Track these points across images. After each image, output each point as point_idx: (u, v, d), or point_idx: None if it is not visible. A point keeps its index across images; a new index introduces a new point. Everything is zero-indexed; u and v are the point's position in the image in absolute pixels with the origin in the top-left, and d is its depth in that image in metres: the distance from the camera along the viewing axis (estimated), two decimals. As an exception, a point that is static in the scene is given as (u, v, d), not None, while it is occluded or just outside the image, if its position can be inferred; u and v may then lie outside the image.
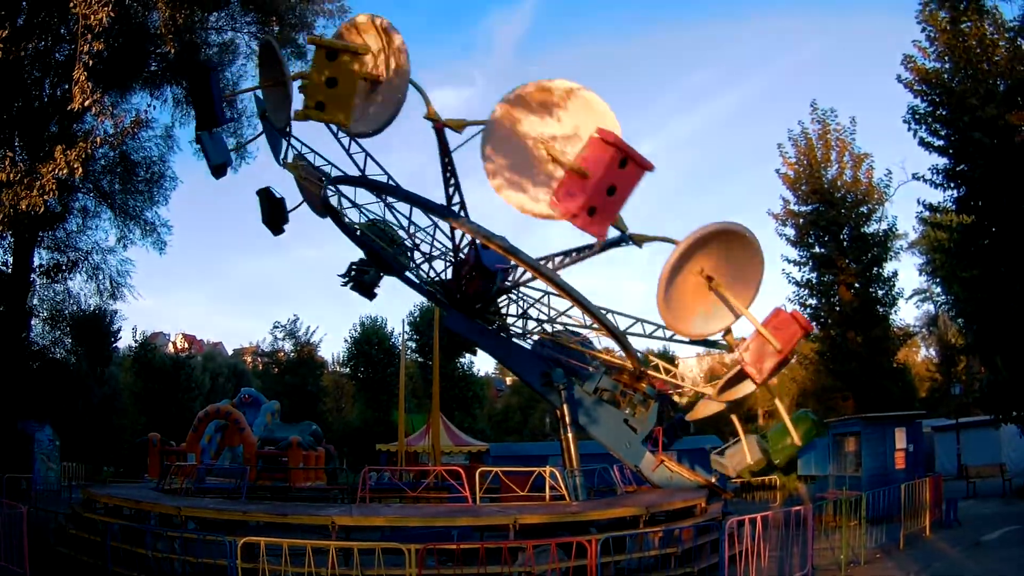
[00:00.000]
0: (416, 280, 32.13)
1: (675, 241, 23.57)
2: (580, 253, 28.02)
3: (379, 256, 31.37)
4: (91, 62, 26.25)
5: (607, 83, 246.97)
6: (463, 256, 29.36)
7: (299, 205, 31.63)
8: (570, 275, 28.06)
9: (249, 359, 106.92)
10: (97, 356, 67.09)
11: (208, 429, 47.30)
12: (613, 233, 25.06)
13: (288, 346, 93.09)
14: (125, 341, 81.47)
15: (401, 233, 31.37)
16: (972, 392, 62.25)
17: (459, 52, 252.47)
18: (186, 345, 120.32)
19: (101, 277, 45.07)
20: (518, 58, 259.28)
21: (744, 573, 19.18)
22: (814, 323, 53.97)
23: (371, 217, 31.52)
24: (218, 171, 30.36)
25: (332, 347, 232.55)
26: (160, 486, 31.24)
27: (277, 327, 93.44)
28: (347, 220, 31.17)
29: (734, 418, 29.65)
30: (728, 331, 26.76)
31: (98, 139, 30.35)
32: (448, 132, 25.46)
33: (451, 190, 27.46)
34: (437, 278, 31.54)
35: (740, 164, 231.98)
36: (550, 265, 27.83)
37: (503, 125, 23.38)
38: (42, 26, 35.22)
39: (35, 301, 45.84)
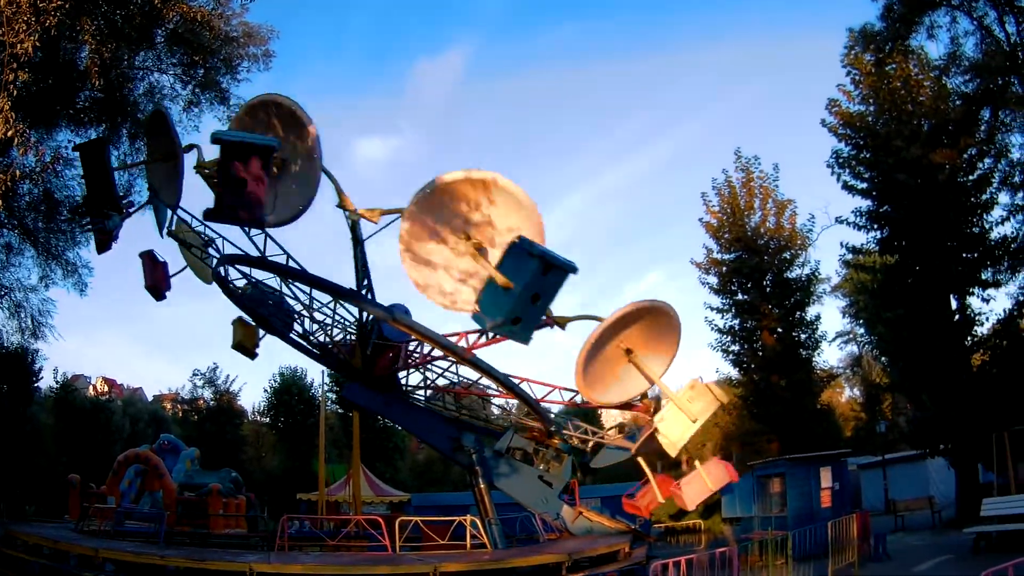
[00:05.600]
0: (310, 348, 31.66)
1: (598, 319, 23.33)
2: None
3: (267, 321, 30.72)
4: (15, 92, 25.49)
5: (537, 133, 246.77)
6: (365, 328, 29.07)
7: (182, 270, 30.61)
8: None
9: (169, 406, 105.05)
10: (18, 395, 66.00)
11: (128, 473, 46.36)
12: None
13: (208, 394, 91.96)
14: (46, 382, 79.75)
15: (296, 304, 30.80)
16: (898, 429, 62.91)
17: (385, 99, 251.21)
18: (106, 389, 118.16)
19: (23, 315, 44.17)
20: (447, 106, 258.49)
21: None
22: (737, 368, 54.45)
23: (262, 287, 30.92)
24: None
25: (252, 396, 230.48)
26: (79, 527, 30.60)
27: (197, 375, 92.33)
28: (233, 287, 30.36)
29: (641, 461, 29.41)
30: (644, 395, 26.87)
31: (18, 172, 29.61)
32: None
33: (362, 277, 27.10)
34: (338, 351, 31.10)
35: (670, 214, 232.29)
36: (464, 342, 27.55)
37: (420, 222, 22.63)
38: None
39: (-45, 335, 44.82)
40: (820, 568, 27.07)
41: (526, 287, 18.98)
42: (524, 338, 21.41)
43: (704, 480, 25.66)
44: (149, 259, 29.79)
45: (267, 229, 27.11)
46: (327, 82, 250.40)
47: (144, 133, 25.10)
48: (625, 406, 28.59)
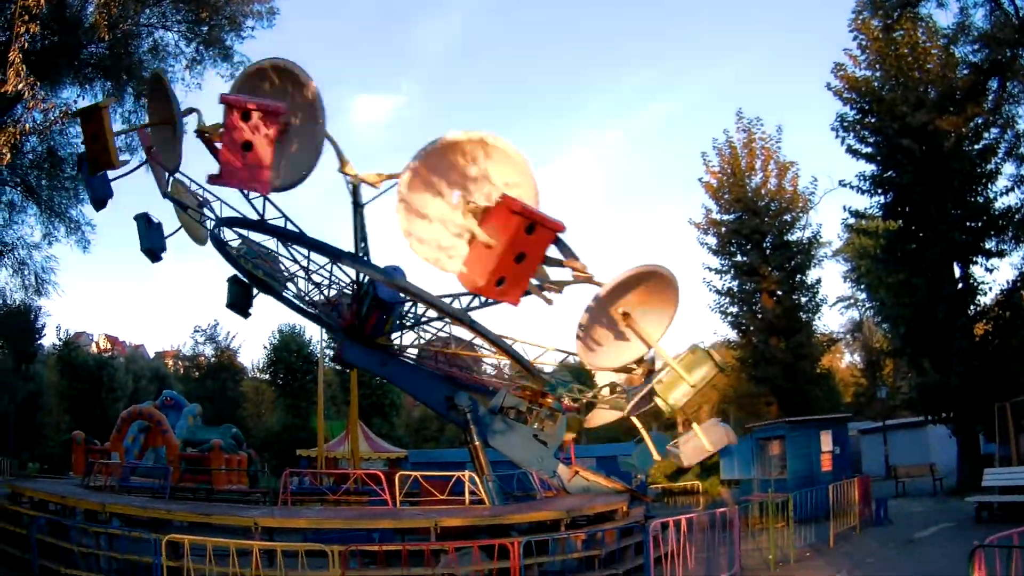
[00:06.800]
0: (307, 308, 31.84)
1: (596, 282, 23.21)
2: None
3: (262, 281, 30.87)
4: (26, 45, 25.52)
5: (538, 90, 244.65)
6: (362, 290, 29.16)
7: (177, 231, 30.60)
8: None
9: (170, 362, 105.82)
10: (22, 352, 66.26)
11: (131, 430, 46.85)
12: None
13: (209, 351, 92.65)
14: (49, 339, 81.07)
15: (291, 265, 30.96)
16: (899, 395, 62.99)
17: (386, 58, 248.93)
18: (108, 346, 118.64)
19: (26, 272, 44.27)
20: (447, 66, 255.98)
21: (671, 574, 18.90)
22: (735, 330, 54.29)
23: (257, 248, 31.07)
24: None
25: (252, 353, 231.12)
26: (85, 483, 30.79)
27: (198, 331, 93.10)
28: (229, 249, 30.43)
29: (635, 420, 29.53)
30: (641, 359, 26.81)
31: (27, 126, 29.61)
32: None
33: (360, 240, 27.16)
34: (334, 312, 31.22)
35: (671, 172, 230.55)
36: (457, 304, 27.63)
37: (419, 179, 22.52)
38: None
39: (-41, 293, 45.11)
40: (822, 531, 27.19)
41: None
42: (512, 299, 21.37)
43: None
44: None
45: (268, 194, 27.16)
46: (327, 38, 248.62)
47: (146, 94, 25.20)
48: (625, 370, 28.62)
